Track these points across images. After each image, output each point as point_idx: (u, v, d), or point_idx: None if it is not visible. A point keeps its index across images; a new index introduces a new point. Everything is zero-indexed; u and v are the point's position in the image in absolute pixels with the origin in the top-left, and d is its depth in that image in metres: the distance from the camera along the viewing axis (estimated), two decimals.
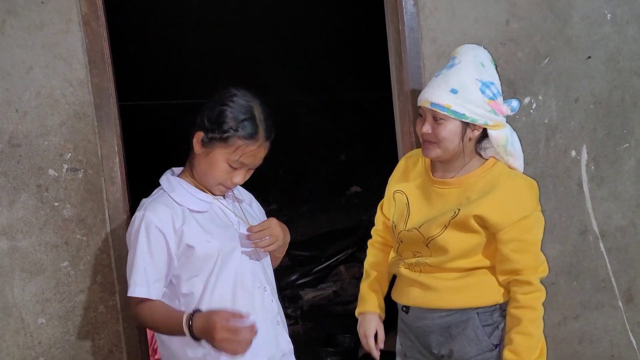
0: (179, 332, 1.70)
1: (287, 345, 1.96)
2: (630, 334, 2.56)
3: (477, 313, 1.88)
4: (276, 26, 6.70)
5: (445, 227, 1.85)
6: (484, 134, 1.87)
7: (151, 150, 6.12)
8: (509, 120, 1.92)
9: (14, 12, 2.17)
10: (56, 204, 2.24)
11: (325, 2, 6.49)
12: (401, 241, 1.97)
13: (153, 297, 1.78)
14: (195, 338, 1.67)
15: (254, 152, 1.81)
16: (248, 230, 1.85)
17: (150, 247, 1.77)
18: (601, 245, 2.51)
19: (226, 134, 1.77)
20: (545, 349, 1.84)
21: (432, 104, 1.81)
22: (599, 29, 2.43)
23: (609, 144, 2.48)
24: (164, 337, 1.86)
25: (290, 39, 6.85)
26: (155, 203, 1.83)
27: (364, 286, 2.11)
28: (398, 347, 2.10)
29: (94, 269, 2.27)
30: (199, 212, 1.84)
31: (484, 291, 1.88)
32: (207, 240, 1.80)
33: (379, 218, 2.16)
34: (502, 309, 1.89)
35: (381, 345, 2.05)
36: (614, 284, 2.53)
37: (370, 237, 2.20)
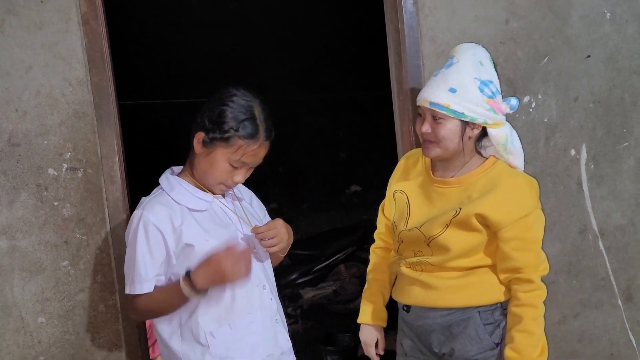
0: (183, 301, 1.75)
1: (286, 343, 1.97)
2: (629, 332, 2.57)
3: (479, 312, 1.88)
4: (276, 25, 6.70)
5: (447, 226, 1.85)
6: (484, 133, 1.86)
7: (151, 150, 6.13)
8: (509, 119, 1.92)
9: (13, 11, 2.17)
10: (56, 203, 2.24)
11: (325, 2, 6.49)
12: (402, 241, 1.97)
13: (151, 290, 1.80)
14: (201, 292, 1.72)
15: (255, 152, 1.81)
16: (253, 230, 1.86)
17: (149, 246, 1.78)
18: (600, 244, 2.52)
19: (227, 134, 1.77)
20: (546, 347, 1.84)
21: (431, 103, 1.81)
22: (598, 27, 2.43)
23: (609, 143, 2.48)
24: (164, 337, 1.87)
25: (290, 38, 6.86)
26: (153, 202, 1.83)
27: (365, 295, 2.15)
28: (398, 346, 2.11)
29: (93, 268, 2.28)
30: (198, 211, 1.85)
31: (485, 290, 1.88)
32: (206, 239, 1.80)
33: (380, 220, 2.16)
34: (503, 307, 1.89)
35: (381, 352, 2.14)
36: (614, 283, 2.54)
37: (370, 236, 2.21)
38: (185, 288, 1.72)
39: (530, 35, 2.39)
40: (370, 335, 2.12)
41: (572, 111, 2.44)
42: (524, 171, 1.96)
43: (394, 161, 2.19)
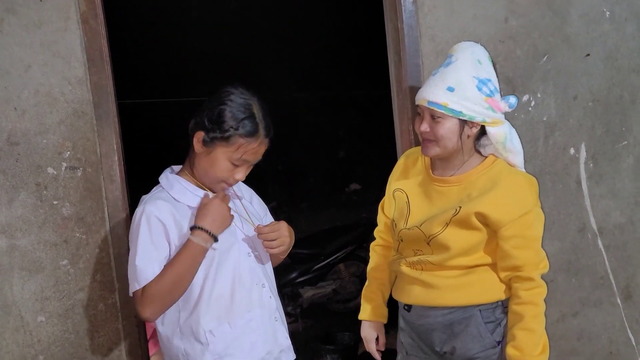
0: (198, 259, 1.77)
1: (285, 341, 1.97)
2: (628, 330, 2.57)
3: (480, 310, 1.89)
4: (276, 25, 6.70)
5: (447, 224, 1.85)
6: (483, 131, 1.87)
7: (150, 148, 6.13)
8: (508, 117, 1.92)
9: (12, 10, 2.17)
10: (55, 202, 2.24)
11: (325, 2, 6.49)
12: (402, 239, 1.97)
13: (156, 273, 1.77)
14: (215, 237, 1.79)
15: (255, 149, 1.82)
16: (257, 230, 1.88)
17: (152, 236, 1.78)
18: (600, 242, 2.52)
19: (227, 133, 1.78)
20: (547, 345, 1.84)
21: (430, 102, 1.81)
22: (598, 26, 2.43)
23: (608, 142, 2.48)
24: (165, 335, 1.87)
25: (290, 37, 6.86)
26: (155, 198, 1.85)
27: (365, 293, 2.16)
28: (399, 344, 2.11)
29: (93, 267, 2.28)
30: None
31: (485, 288, 1.89)
32: None
33: (380, 219, 2.16)
34: (504, 305, 1.89)
35: (382, 348, 2.16)
36: (613, 281, 2.54)
37: (370, 234, 2.21)
38: (198, 239, 1.75)
39: (529, 33, 2.39)
40: (370, 331, 2.14)
41: (571, 110, 2.45)
42: (524, 169, 1.96)
43: (394, 160, 2.19)
